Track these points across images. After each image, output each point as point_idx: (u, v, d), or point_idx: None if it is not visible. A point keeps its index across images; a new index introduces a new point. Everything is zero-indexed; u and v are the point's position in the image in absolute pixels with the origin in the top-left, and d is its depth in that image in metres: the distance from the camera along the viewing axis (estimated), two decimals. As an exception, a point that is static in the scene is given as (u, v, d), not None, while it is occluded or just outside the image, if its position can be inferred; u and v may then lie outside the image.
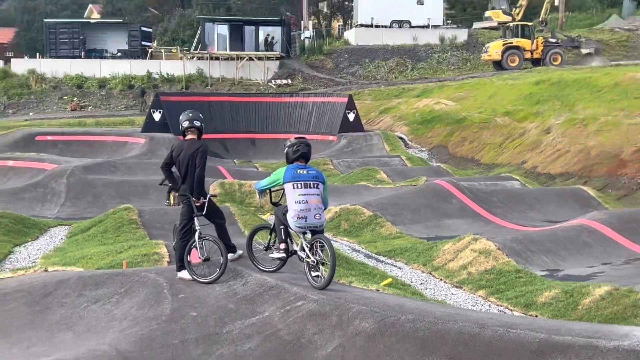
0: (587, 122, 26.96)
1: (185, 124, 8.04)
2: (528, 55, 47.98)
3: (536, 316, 9.52)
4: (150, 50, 56.42)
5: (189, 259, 7.88)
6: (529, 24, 49.69)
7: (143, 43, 56.30)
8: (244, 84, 50.50)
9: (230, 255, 7.99)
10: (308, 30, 61.07)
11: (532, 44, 48.23)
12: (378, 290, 8.98)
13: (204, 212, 7.90)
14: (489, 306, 10.43)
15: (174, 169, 8.24)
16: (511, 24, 49.51)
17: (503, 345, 5.31)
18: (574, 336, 5.29)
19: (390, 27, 58.17)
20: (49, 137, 31.28)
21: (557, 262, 12.45)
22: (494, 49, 48.55)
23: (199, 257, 7.84)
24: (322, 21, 73.29)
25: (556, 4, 59.05)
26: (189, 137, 8.05)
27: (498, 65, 48.04)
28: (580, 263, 12.36)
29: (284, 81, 51.47)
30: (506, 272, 11.51)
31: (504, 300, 10.46)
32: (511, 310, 10.08)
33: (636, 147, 23.31)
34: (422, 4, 58.91)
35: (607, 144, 24.55)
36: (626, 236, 13.34)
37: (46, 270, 9.28)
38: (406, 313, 6.22)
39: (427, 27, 58.37)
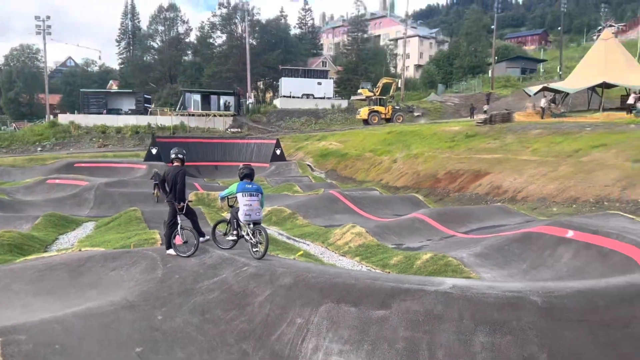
0: (418, 156, 27.71)
1: (173, 155, 8.03)
2: (383, 116, 48.94)
3: (389, 272, 9.65)
4: (149, 110, 55.27)
5: (174, 242, 7.77)
6: (383, 97, 50.78)
7: (145, 105, 55.31)
8: (210, 131, 49.84)
9: (201, 239, 7.93)
10: (251, 98, 60.88)
11: (385, 109, 49.33)
12: (295, 259, 8.91)
13: (183, 212, 7.81)
14: (362, 267, 10.51)
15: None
16: (373, 97, 50.46)
17: (370, 291, 5.34)
18: (411, 284, 5.37)
19: (301, 98, 58.55)
20: (83, 165, 30.41)
21: (401, 239, 12.66)
22: (363, 112, 49.43)
23: (181, 240, 7.74)
24: (259, 93, 73.22)
25: (399, 86, 60.82)
26: (175, 164, 7.99)
27: (366, 122, 48.82)
28: (414, 240, 12.61)
29: (236, 129, 50.96)
30: (371, 246, 11.64)
31: (370, 263, 10.56)
32: (375, 268, 10.18)
33: (446, 170, 24.08)
34: (320, 84, 59.95)
35: (429, 168, 25.27)
36: (440, 223, 13.70)
37: (80, 250, 8.88)
38: (311, 272, 6.18)
39: (324, 98, 59.06)
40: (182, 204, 7.74)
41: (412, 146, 29.84)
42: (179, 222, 7.80)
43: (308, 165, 34.17)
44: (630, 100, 29.51)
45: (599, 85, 35.15)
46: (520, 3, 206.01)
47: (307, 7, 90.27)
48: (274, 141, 36.60)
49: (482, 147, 25.33)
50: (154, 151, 32.41)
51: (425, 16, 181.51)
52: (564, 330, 4.43)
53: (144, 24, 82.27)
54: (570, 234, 9.37)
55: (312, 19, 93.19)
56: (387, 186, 25.51)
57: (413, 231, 13.28)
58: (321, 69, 69.86)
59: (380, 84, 52.88)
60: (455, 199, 20.99)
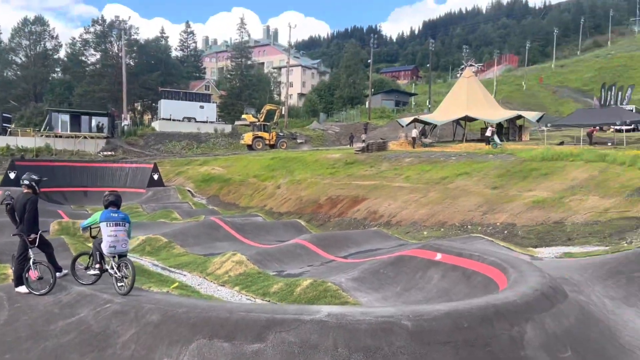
0: (301, 182, 28.05)
1: (22, 182, 7.16)
2: (267, 142, 49.25)
3: (269, 301, 9.44)
4: (9, 130, 49.90)
5: (27, 277, 6.87)
6: (268, 123, 51.18)
7: (4, 125, 49.73)
8: (80, 154, 46.24)
9: (58, 274, 7.07)
10: (127, 120, 57.75)
11: (270, 135, 49.68)
12: (168, 292, 8.35)
13: (36, 245, 6.94)
14: (241, 296, 10.17)
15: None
16: (257, 123, 50.59)
17: (244, 324, 5.09)
18: (288, 314, 5.22)
19: (182, 121, 56.86)
20: None
21: (282, 266, 12.53)
22: (247, 137, 49.29)
23: (35, 276, 6.85)
24: (137, 115, 69.97)
25: (283, 113, 61.72)
26: (25, 190, 7.11)
27: (250, 147, 48.71)
28: (296, 266, 12.55)
29: (110, 153, 47.89)
30: (252, 274, 11.35)
31: (251, 292, 10.26)
32: (255, 298, 9.90)
33: (327, 196, 24.60)
34: (203, 108, 58.81)
35: (311, 194, 25.66)
36: (321, 248, 13.81)
37: None
38: (182, 306, 5.77)
39: (206, 122, 57.97)
40: (32, 236, 6.89)
41: (296, 172, 30.18)
42: (31, 256, 6.92)
43: (188, 191, 32.99)
44: (488, 133, 32.71)
45: (463, 119, 38.70)
46: (394, 40, 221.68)
47: (189, 29, 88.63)
48: (151, 165, 34.87)
49: (360, 174, 26.34)
50: (12, 175, 29.10)
51: (307, 47, 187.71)
52: (433, 353, 4.56)
53: (5, 36, 75.15)
54: (438, 256, 9.91)
55: (195, 42, 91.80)
56: (270, 212, 25.40)
57: (295, 257, 13.21)
58: (204, 92, 68.69)
59: (264, 110, 53.26)
60: (335, 223, 21.45)
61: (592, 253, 11.27)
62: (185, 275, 12.11)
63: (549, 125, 35.71)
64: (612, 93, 48.49)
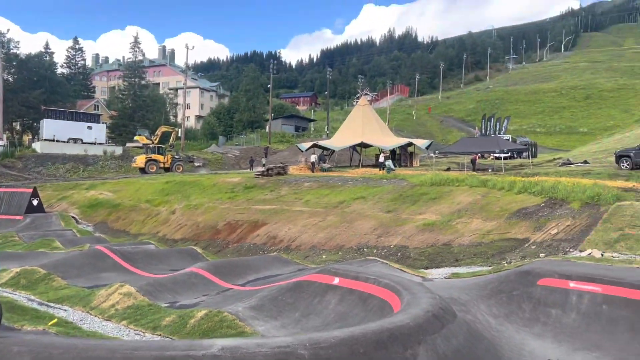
0: (197, 207, 27.20)
1: None
2: (162, 165, 47.42)
3: (160, 335, 8.88)
4: None
5: None
6: (162, 146, 49.38)
7: None
8: (-55, 178, 41.18)
9: None
10: (2, 140, 52.63)
11: (164, 158, 47.91)
12: (45, 330, 7.54)
13: None
14: (129, 331, 9.47)
15: None
16: (151, 145, 48.58)
17: (129, 363, 4.69)
18: (178, 350, 4.90)
19: (67, 142, 53.00)
20: None
21: (176, 296, 11.92)
22: (139, 160, 47.10)
23: None
24: (15, 135, 64.10)
25: (179, 135, 59.94)
26: None
27: (142, 170, 46.53)
28: (191, 296, 12.01)
29: (-19, 176, 43.26)
30: (142, 306, 10.64)
31: (140, 326, 9.59)
32: (144, 332, 9.27)
33: (225, 221, 24.06)
34: (91, 128, 55.35)
35: (209, 219, 24.95)
36: (218, 276, 13.38)
37: None
38: (57, 347, 5.19)
39: (94, 143, 54.58)
40: None
41: (192, 197, 29.24)
42: None
43: (73, 217, 30.58)
44: (381, 159, 34.21)
45: (359, 145, 40.10)
46: (294, 67, 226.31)
47: (77, 46, 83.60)
48: (31, 190, 31.88)
49: (260, 198, 26.14)
50: None
51: (206, 69, 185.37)
52: (330, 381, 4.50)
53: None
54: (336, 280, 9.99)
55: (84, 59, 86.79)
56: (164, 239, 24.26)
57: (189, 287, 12.63)
58: (93, 112, 64.82)
59: (159, 132, 51.31)
60: (234, 250, 20.97)
61: (477, 273, 12.02)
62: (65, 310, 11.06)
63: (437, 152, 38.20)
64: (491, 123, 53.14)
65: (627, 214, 13.22)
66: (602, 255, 11.94)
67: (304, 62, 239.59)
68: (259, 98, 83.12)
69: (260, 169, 36.34)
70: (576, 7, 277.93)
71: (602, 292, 9.26)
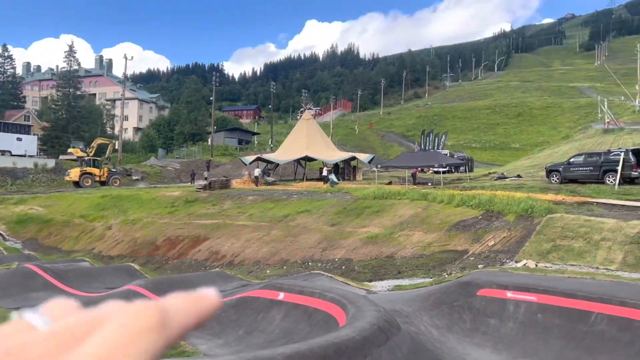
0: (135, 222, 26.24)
1: None
2: (97, 178, 45.49)
3: None
4: None
5: None
6: (98, 158, 47.46)
7: None
8: None
9: None
10: None
11: (100, 171, 46.03)
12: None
13: None
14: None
15: None
16: (86, 158, 46.57)
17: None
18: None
19: (-6, 155, 49.99)
20: None
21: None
22: (73, 173, 44.99)
23: None
24: None
25: (117, 147, 57.83)
26: None
27: (77, 184, 44.45)
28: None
29: None
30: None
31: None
32: (76, 355, 8.73)
33: (165, 237, 23.34)
34: (20, 140, 52.44)
35: (147, 235, 24.11)
36: (157, 295, 12.88)
37: None
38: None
39: (24, 156, 51.67)
40: None
41: (130, 211, 28.17)
42: None
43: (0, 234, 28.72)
44: (324, 172, 34.44)
45: (303, 159, 40.22)
46: (237, 80, 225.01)
47: (7, 53, 79.34)
48: (-49, 205, 29.75)
49: (202, 213, 25.55)
50: None
51: (145, 80, 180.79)
52: (275, 400, 4.38)
53: None
54: (281, 296, 9.86)
55: (14, 67, 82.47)
56: (100, 256, 23.17)
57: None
58: (23, 123, 61.48)
59: (95, 144, 49.29)
60: (174, 266, 20.32)
61: (419, 285, 12.24)
62: (-12, 335, 10.26)
63: (379, 166, 38.91)
64: (430, 139, 54.86)
65: (558, 226, 13.92)
66: (536, 265, 12.48)
67: (247, 75, 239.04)
68: (201, 110, 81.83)
69: (202, 182, 35.60)
70: (508, 29, 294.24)
71: (537, 301, 9.64)
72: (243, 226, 22.26)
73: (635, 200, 17.03)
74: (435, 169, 33.81)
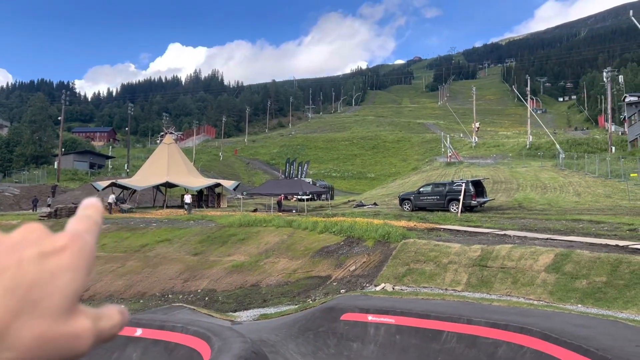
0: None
1: None
2: None
3: None
4: None
5: None
6: None
7: None
8: None
9: None
10: None
11: None
12: None
13: None
14: None
15: None
16: None
17: None
18: None
19: None
20: None
21: None
22: None
23: None
24: None
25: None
26: None
27: None
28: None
29: None
30: None
31: None
32: None
33: (-1, 271, 20.49)
34: None
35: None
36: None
37: None
38: None
39: None
40: None
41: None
42: None
43: None
44: (187, 199, 33.29)
45: (163, 185, 38.44)
46: (89, 100, 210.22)
47: None
48: None
49: (45, 244, 22.95)
50: None
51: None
52: None
53: None
54: (138, 332, 9.14)
55: None
56: None
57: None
58: None
59: None
60: (9, 305, 17.86)
61: (285, 312, 12.22)
62: None
63: (244, 193, 38.66)
64: (294, 167, 56.14)
65: (411, 251, 14.95)
66: (393, 288, 13.22)
67: (102, 95, 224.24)
68: (47, 131, 74.56)
69: (47, 209, 32.16)
70: (364, 67, 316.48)
71: (395, 323, 10.17)
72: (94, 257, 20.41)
73: (475, 226, 19.01)
74: (300, 197, 34.55)
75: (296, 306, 13.06)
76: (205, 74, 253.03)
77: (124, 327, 0.54)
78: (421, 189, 27.44)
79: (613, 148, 48.97)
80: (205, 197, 39.71)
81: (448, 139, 64.91)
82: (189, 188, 36.84)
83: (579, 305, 10.43)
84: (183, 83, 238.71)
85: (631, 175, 31.36)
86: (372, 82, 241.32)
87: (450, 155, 58.75)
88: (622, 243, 13.34)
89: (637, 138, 52.46)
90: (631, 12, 45.89)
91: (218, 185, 40.27)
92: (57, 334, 0.44)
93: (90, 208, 0.58)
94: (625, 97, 75.62)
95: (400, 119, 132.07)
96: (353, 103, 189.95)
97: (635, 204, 23.89)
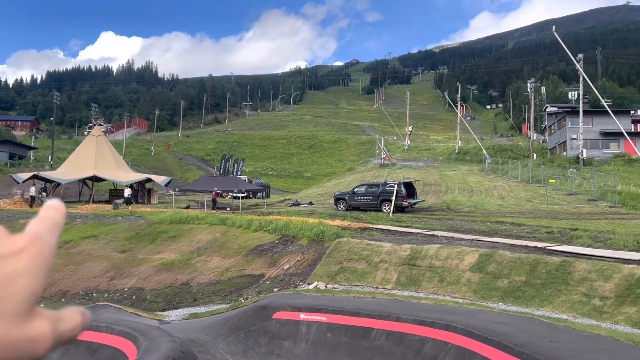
0: None
1: None
2: None
3: None
4: None
5: None
6: None
7: None
8: None
9: None
10: None
11: None
12: None
13: None
14: None
15: None
16: None
17: None
18: None
19: None
20: None
21: None
22: None
23: None
24: None
25: None
26: None
27: None
28: None
29: None
30: None
31: None
32: None
33: None
34: None
35: None
36: None
37: None
38: None
39: None
40: None
41: None
42: None
43: None
44: (126, 194, 32.08)
45: (90, 178, 36.69)
46: (10, 86, 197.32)
47: None
48: None
49: (-45, 239, 21.27)
50: None
51: None
52: None
53: None
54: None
55: None
56: None
57: None
58: None
59: None
60: None
61: (216, 311, 12.02)
62: None
63: (176, 189, 37.66)
64: (229, 164, 55.33)
65: (344, 249, 15.16)
66: (326, 286, 13.35)
67: (25, 81, 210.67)
68: (-39, 117, 69.14)
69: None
70: (303, 66, 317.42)
71: (327, 321, 10.28)
72: (11, 254, 19.16)
73: (405, 226, 19.56)
74: (235, 194, 34.11)
75: (228, 305, 12.89)
76: (139, 65, 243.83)
77: (85, 329, 0.54)
78: (356, 189, 27.87)
79: (534, 155, 51.97)
80: (135, 193, 38.31)
81: (382, 141, 66.41)
82: (118, 182, 35.42)
83: (500, 304, 10.99)
84: (115, 73, 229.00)
85: (550, 181, 33.41)
86: (311, 82, 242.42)
87: (384, 157, 60.12)
88: (540, 244, 14.19)
89: (556, 146, 56.05)
90: (554, 27, 48.93)
91: (149, 180, 38.96)
92: (14, 338, 0.44)
93: (52, 209, 0.57)
94: (547, 107, 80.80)
95: (337, 120, 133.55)
96: (291, 102, 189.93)
97: (552, 207, 25.49)
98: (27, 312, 0.46)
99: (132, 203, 31.71)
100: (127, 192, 32.21)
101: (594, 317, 9.72)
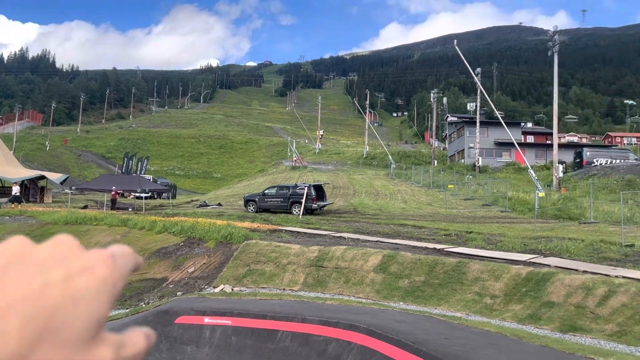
0: None
1: None
2: None
3: None
4: None
5: None
6: None
7: None
8: None
9: None
10: None
11: None
12: None
13: None
14: None
15: None
16: None
17: None
18: None
19: None
20: None
21: None
22: None
23: None
24: None
25: None
26: None
27: None
28: None
29: None
30: None
31: None
32: None
33: None
34: None
35: None
36: None
37: None
38: None
39: None
40: None
41: None
42: None
43: None
44: (14, 191, 29.56)
45: (-28, 174, 33.36)
46: None
47: None
48: None
49: None
50: None
51: None
52: None
53: None
54: None
55: None
56: None
57: None
58: None
59: None
60: None
61: (114, 317, 11.40)
62: None
63: (73, 188, 35.27)
64: (133, 162, 52.80)
65: (253, 251, 15.03)
66: (232, 289, 13.14)
67: None
68: None
69: None
70: (215, 64, 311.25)
71: (232, 325, 10.12)
72: None
73: (314, 228, 19.80)
74: (138, 194, 32.61)
75: (127, 310, 12.28)
76: (34, 53, 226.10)
77: (149, 352, 0.51)
78: (266, 191, 27.77)
79: (435, 162, 54.94)
80: (26, 191, 35.37)
81: (294, 143, 66.80)
82: (6, 179, 32.52)
83: (401, 303, 11.46)
84: (5, 61, 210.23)
85: (449, 186, 35.46)
86: (223, 80, 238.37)
87: (295, 160, 60.52)
88: (439, 246, 15.00)
89: (455, 154, 59.66)
90: (455, 42, 52.04)
91: (42, 177, 36.14)
92: None
93: (131, 254, 0.54)
94: (448, 117, 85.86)
95: (249, 121, 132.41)
96: (202, 100, 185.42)
97: (450, 211, 27.05)
98: (90, 338, 0.43)
99: (22, 202, 29.27)
100: (16, 189, 29.68)
101: (485, 315, 10.44)
